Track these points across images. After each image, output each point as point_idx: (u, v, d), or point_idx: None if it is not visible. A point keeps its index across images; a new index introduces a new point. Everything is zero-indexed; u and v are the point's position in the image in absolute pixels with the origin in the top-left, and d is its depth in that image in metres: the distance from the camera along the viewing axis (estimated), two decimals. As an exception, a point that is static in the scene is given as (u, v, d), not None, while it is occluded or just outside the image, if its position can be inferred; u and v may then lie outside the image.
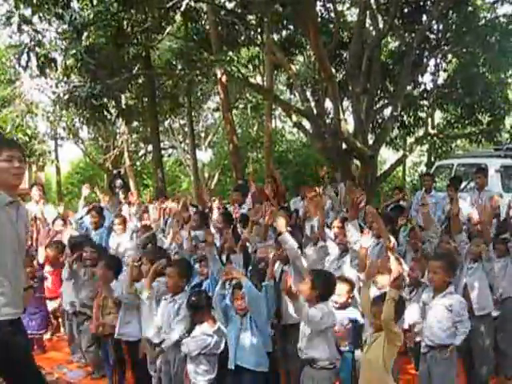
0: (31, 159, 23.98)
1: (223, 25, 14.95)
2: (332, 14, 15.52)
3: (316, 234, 5.72)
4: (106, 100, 13.19)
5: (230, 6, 15.53)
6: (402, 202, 9.60)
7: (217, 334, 4.68)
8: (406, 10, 14.63)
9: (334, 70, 13.64)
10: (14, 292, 3.45)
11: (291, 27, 15.41)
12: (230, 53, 12.68)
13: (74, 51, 10.68)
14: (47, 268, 7.56)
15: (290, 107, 15.04)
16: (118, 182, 11.39)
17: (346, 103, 16.38)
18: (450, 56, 17.34)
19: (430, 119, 19.09)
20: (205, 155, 31.07)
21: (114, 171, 20.22)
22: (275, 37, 15.30)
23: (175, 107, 18.74)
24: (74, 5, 12.12)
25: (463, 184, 10.70)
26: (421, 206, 6.63)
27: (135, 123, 21.73)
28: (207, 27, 15.27)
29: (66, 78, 13.28)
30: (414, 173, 31.16)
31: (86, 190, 9.43)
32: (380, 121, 16.29)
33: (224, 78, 13.96)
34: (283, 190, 9.66)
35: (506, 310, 5.69)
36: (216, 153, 31.54)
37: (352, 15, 18.73)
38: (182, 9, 13.34)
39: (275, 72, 18.81)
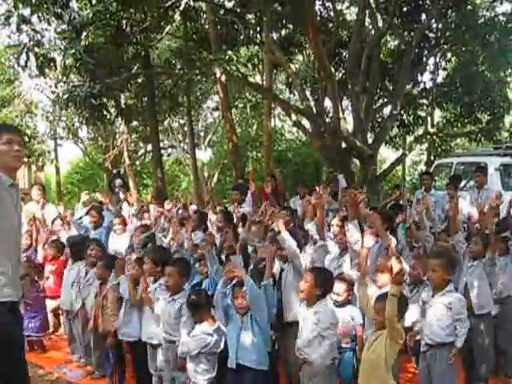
0: (31, 159, 24.03)
1: (222, 24, 14.95)
2: (331, 13, 15.56)
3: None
4: (105, 99, 13.18)
5: (229, 5, 15.55)
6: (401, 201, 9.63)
7: (216, 332, 4.67)
8: (405, 9, 14.66)
9: (333, 69, 13.66)
10: (14, 273, 3.48)
11: (290, 26, 15.42)
12: (229, 52, 12.67)
13: (73, 51, 10.68)
14: (48, 267, 7.55)
15: (290, 106, 15.07)
16: (118, 181, 11.40)
17: (345, 102, 16.38)
18: (449, 55, 17.39)
19: (429, 118, 19.16)
20: (204, 154, 31.08)
21: (114, 171, 20.21)
22: (274, 36, 15.31)
23: (174, 106, 18.72)
24: (73, 4, 12.12)
25: (463, 183, 10.71)
26: (417, 205, 6.64)
27: (135, 123, 21.71)
28: (206, 26, 15.27)
29: (65, 78, 13.30)
30: (413, 172, 31.16)
31: (84, 196, 9.41)
32: (379, 120, 16.32)
33: (223, 77, 13.96)
34: (283, 189, 9.66)
35: (507, 309, 5.65)
36: (215, 152, 31.52)
37: (351, 14, 18.75)
38: (181, 8, 13.34)
39: (274, 71, 18.85)
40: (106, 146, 27.56)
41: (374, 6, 14.18)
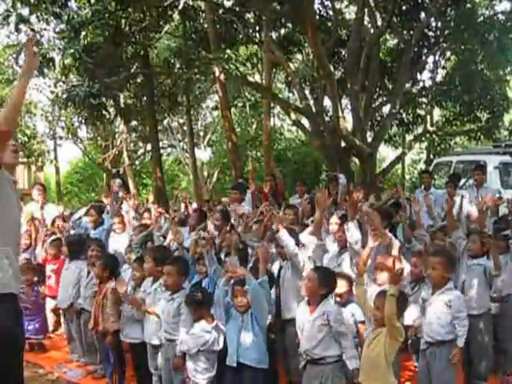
0: (30, 159, 24.04)
1: (221, 23, 14.93)
2: (330, 12, 15.54)
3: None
4: (104, 99, 13.19)
5: (228, 4, 15.54)
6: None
7: (215, 330, 4.67)
8: (404, 8, 14.65)
9: (332, 68, 13.64)
10: (17, 265, 3.49)
11: (289, 25, 15.42)
12: (229, 51, 12.62)
13: (71, 50, 10.67)
14: (49, 267, 7.55)
15: (289, 105, 15.06)
16: (117, 181, 11.39)
17: (344, 101, 16.38)
18: (448, 53, 17.39)
19: (428, 116, 19.16)
20: (204, 154, 31.08)
21: (113, 170, 20.25)
22: (273, 35, 15.32)
23: (174, 106, 18.70)
24: (72, 4, 12.14)
25: (462, 181, 10.72)
26: (415, 204, 6.64)
27: (134, 122, 21.71)
28: (205, 26, 15.25)
29: (64, 78, 13.32)
30: (413, 170, 31.16)
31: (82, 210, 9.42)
32: (379, 118, 16.34)
33: (222, 77, 13.95)
34: (282, 188, 9.66)
35: (506, 307, 5.64)
36: (215, 151, 31.53)
37: (350, 13, 18.76)
38: (180, 7, 13.32)
39: (274, 70, 18.86)
40: (106, 146, 27.58)
41: (373, 4, 14.17)
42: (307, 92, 15.73)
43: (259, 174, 19.00)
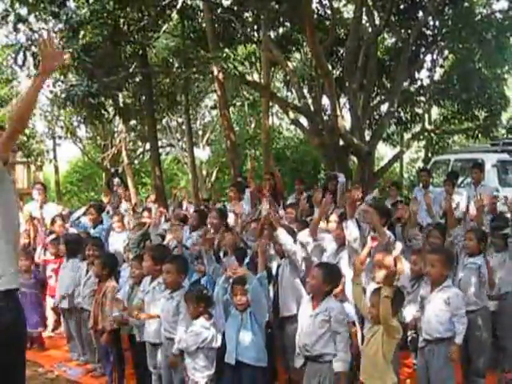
0: (30, 159, 24.06)
1: (219, 22, 14.95)
2: (328, 11, 15.54)
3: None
4: (103, 98, 13.21)
5: (226, 3, 15.55)
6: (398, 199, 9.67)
7: (213, 327, 4.69)
8: (401, 7, 14.66)
9: (330, 67, 13.67)
10: (17, 264, 3.50)
11: (288, 24, 15.43)
12: (227, 50, 12.68)
13: (70, 50, 10.68)
14: (50, 266, 7.58)
15: (287, 104, 15.08)
16: (116, 180, 11.41)
17: (342, 100, 16.41)
18: (446, 52, 17.41)
19: (426, 115, 19.15)
20: (203, 153, 31.08)
21: (112, 169, 20.25)
22: (272, 34, 15.33)
23: (172, 105, 18.74)
24: (70, 3, 12.12)
25: (460, 179, 10.74)
26: (412, 203, 6.66)
27: (133, 122, 21.72)
28: (203, 25, 15.26)
29: (62, 77, 13.31)
30: (411, 169, 31.22)
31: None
32: (377, 117, 16.34)
33: (221, 76, 13.97)
34: (282, 187, 9.67)
35: (505, 305, 5.68)
36: (214, 150, 31.55)
37: (348, 12, 18.80)
38: (178, 6, 13.36)
39: (272, 69, 18.87)
40: (105, 145, 27.62)
41: (370, 3, 14.18)
42: (305, 91, 15.74)
43: (258, 173, 19.02)
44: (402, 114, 17.33)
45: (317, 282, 4.40)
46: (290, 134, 30.30)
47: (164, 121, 24.67)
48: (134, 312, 5.25)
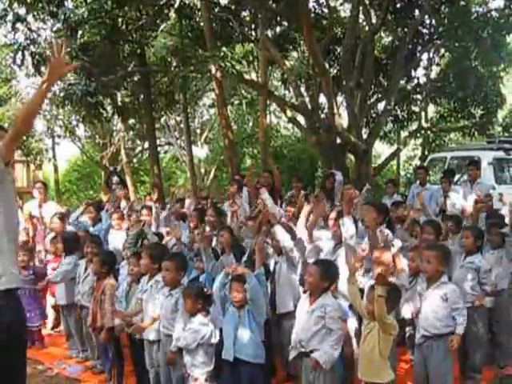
0: (29, 158, 24.09)
1: (217, 21, 14.97)
2: (325, 10, 15.59)
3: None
4: (101, 97, 13.25)
5: (223, 2, 15.57)
6: (395, 196, 9.75)
7: (211, 323, 4.69)
8: (398, 5, 14.69)
9: (327, 66, 13.73)
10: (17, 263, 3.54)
11: (285, 23, 15.47)
12: (224, 49, 12.68)
13: (68, 49, 10.72)
14: (51, 265, 7.58)
15: (285, 102, 15.13)
16: (115, 178, 11.46)
17: (339, 98, 16.44)
18: (442, 50, 17.44)
19: (423, 113, 19.24)
20: (201, 151, 31.09)
21: (110, 168, 20.27)
22: (269, 33, 15.35)
23: (171, 104, 18.76)
24: (68, 3, 12.17)
25: (456, 177, 10.80)
26: (413, 211, 6.67)
27: (131, 120, 21.74)
28: (201, 24, 15.29)
29: (61, 76, 13.32)
30: (408, 166, 31.21)
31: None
32: (374, 115, 16.39)
33: (219, 74, 14.00)
34: (280, 185, 9.72)
35: (501, 302, 5.71)
36: (212, 149, 31.54)
37: (345, 11, 18.79)
38: (176, 6, 13.40)
39: (269, 68, 18.91)
40: (104, 144, 27.60)
41: (367, 2, 14.23)
42: (303, 89, 15.80)
43: (257, 173, 19.03)
44: (398, 112, 17.37)
45: (314, 280, 4.40)
46: (287, 132, 30.28)
47: (162, 119, 24.68)
48: (136, 321, 5.26)
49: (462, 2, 14.92)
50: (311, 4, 14.73)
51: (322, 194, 7.73)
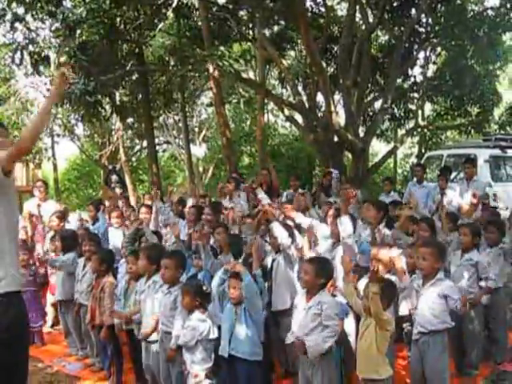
0: (28, 157, 24.08)
1: (215, 21, 15.02)
2: (322, 9, 15.65)
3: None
4: (100, 97, 13.25)
5: (221, 1, 15.59)
6: (392, 193, 9.81)
7: (208, 319, 4.70)
8: (395, 4, 14.74)
9: (324, 64, 13.77)
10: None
11: (282, 22, 15.52)
12: (222, 48, 12.74)
13: (67, 49, 10.76)
14: (52, 264, 7.64)
15: (282, 101, 15.16)
16: (114, 177, 11.49)
17: (337, 96, 16.51)
18: (439, 49, 17.52)
19: (420, 111, 19.27)
20: (199, 150, 31.16)
21: (109, 167, 20.30)
22: (266, 32, 15.41)
23: (169, 103, 18.78)
24: (67, 2, 12.20)
25: (453, 174, 10.84)
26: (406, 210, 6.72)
27: (130, 119, 21.76)
28: (199, 23, 15.32)
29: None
30: (404, 164, 31.30)
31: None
32: (371, 113, 16.46)
33: (216, 73, 14.04)
34: (277, 184, 9.76)
35: (497, 299, 5.72)
36: (210, 147, 31.58)
37: (342, 10, 18.86)
38: (174, 5, 13.42)
39: (267, 67, 18.94)
40: (102, 143, 27.66)
41: (364, 1, 14.26)
42: (300, 88, 15.86)
43: (255, 170, 19.09)
44: (395, 110, 17.44)
45: (310, 277, 4.38)
46: (285, 130, 30.32)
47: (161, 118, 24.69)
48: (134, 320, 5.30)
49: (458, 1, 14.98)
50: (308, 3, 14.78)
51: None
